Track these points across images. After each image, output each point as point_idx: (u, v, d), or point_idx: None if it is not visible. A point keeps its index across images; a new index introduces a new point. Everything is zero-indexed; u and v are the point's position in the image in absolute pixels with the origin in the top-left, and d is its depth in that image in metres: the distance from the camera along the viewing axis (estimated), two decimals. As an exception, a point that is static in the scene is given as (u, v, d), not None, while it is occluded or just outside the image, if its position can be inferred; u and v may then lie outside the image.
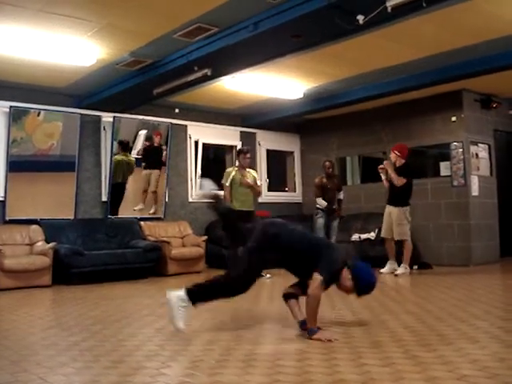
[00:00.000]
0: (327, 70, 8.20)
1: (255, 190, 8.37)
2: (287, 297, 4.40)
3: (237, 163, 8.65)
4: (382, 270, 8.38)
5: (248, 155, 8.35)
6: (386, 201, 8.60)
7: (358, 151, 11.51)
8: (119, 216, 9.58)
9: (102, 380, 3.08)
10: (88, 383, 3.05)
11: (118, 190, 9.74)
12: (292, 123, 12.04)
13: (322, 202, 9.21)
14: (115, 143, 9.50)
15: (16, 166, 8.51)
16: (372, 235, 9.52)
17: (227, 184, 8.17)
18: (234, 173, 8.25)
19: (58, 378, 3.15)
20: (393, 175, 8.29)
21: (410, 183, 8.40)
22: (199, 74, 7.30)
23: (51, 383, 3.07)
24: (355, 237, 10.00)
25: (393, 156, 8.57)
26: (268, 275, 8.40)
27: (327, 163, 9.42)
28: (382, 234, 8.61)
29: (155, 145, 10.07)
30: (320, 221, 9.19)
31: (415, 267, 8.91)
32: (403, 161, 8.47)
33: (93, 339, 4.22)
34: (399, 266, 8.35)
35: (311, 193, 10.35)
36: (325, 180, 9.33)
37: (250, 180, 8.26)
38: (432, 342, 3.84)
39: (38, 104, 8.76)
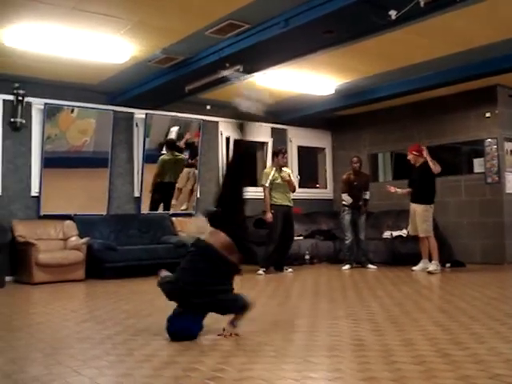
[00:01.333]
0: (359, 66, 8.15)
1: (292, 186, 8.76)
2: None
3: (272, 162, 8.86)
4: (413, 268, 8.32)
5: (286, 155, 8.87)
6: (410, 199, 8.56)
7: (389, 148, 11.41)
8: (151, 212, 9.68)
9: (134, 373, 3.12)
10: (121, 376, 3.09)
11: (167, 190, 9.92)
12: (323, 119, 11.99)
13: (347, 198, 9.20)
14: (147, 139, 9.58)
15: (50, 162, 8.65)
16: (404, 232, 9.44)
17: (267, 185, 8.53)
18: (272, 173, 8.59)
19: (92, 371, 3.20)
20: (431, 164, 8.20)
21: (433, 180, 8.31)
22: (231, 71, 7.32)
23: (85, 376, 3.12)
24: (387, 234, 9.93)
25: (411, 157, 8.50)
26: (290, 269, 8.53)
27: (354, 158, 9.39)
28: (410, 232, 8.62)
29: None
30: (347, 217, 9.17)
31: (448, 265, 8.81)
32: (422, 159, 8.39)
33: (126, 333, 4.27)
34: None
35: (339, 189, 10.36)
36: (352, 176, 9.30)
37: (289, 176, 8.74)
38: (464, 340, 3.80)
39: (72, 101, 8.89)
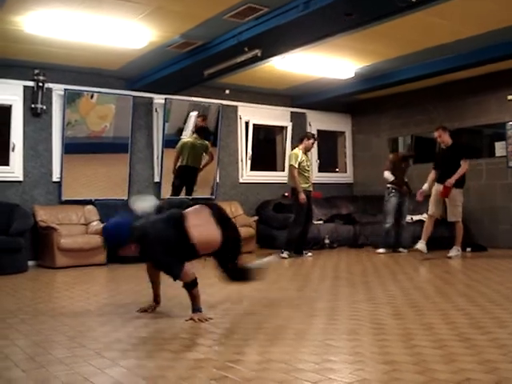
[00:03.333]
0: (379, 49, 8.08)
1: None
2: None
3: (299, 145, 8.83)
4: (449, 254, 8.12)
5: (316, 142, 8.91)
6: (437, 180, 8.34)
7: (410, 131, 11.31)
8: (171, 197, 9.72)
9: (156, 356, 3.16)
10: (143, 359, 3.13)
11: (189, 174, 9.97)
12: (343, 103, 11.92)
13: (388, 175, 9.09)
14: (167, 124, 9.60)
15: (71, 148, 8.72)
16: (424, 216, 9.36)
17: (296, 165, 8.46)
18: (300, 155, 8.55)
19: (114, 354, 3.25)
20: (460, 173, 8.01)
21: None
22: (249, 55, 7.29)
23: (107, 358, 3.17)
24: (407, 218, 9.87)
25: (445, 139, 8.28)
26: (309, 253, 8.54)
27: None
28: (430, 211, 8.25)
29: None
30: (393, 200, 9.01)
31: (468, 249, 8.75)
32: (450, 141, 8.25)
33: (147, 316, 4.32)
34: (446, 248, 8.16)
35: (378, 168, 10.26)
36: (400, 159, 9.26)
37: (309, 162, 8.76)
38: (486, 324, 3.78)
39: (92, 87, 8.94)
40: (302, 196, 8.35)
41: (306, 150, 8.72)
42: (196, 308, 4.14)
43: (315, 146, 9.96)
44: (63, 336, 3.76)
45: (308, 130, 11.21)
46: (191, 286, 4.11)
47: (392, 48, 8.03)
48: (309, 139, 8.73)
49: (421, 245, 7.99)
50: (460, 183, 8.07)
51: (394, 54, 8.37)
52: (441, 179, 8.12)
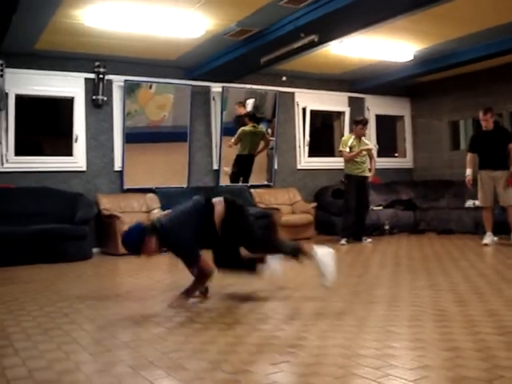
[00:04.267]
0: (438, 31, 7.87)
1: (371, 155, 8.88)
2: None
3: (346, 132, 8.77)
4: (485, 242, 7.87)
5: (366, 126, 8.80)
6: (482, 165, 7.88)
7: (472, 114, 11.01)
8: (230, 184, 9.80)
9: (219, 340, 3.22)
10: (205, 343, 3.19)
11: (245, 162, 10.03)
12: (402, 87, 11.70)
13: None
14: (224, 113, 9.67)
15: (131, 137, 8.90)
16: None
17: (347, 150, 8.49)
18: (351, 140, 8.57)
19: (178, 338, 3.33)
20: None
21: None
22: (306, 41, 7.25)
23: (171, 342, 3.25)
24: (469, 203, 9.65)
25: (491, 122, 7.96)
26: (369, 239, 8.49)
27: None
28: (481, 203, 7.89)
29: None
30: None
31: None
32: (493, 123, 7.95)
33: (209, 301, 4.41)
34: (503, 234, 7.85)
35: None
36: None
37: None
38: (553, 311, 3.69)
39: (150, 77, 9.08)
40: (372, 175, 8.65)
41: (358, 136, 8.64)
42: (189, 292, 4.31)
43: (372, 130, 9.81)
44: (128, 321, 3.87)
45: (366, 115, 11.09)
46: (204, 277, 4.27)
47: (452, 29, 7.82)
48: (357, 125, 8.68)
49: (489, 238, 7.74)
50: (507, 164, 7.74)
51: (455, 35, 8.14)
52: (486, 164, 7.79)
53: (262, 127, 10.13)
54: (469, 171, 7.91)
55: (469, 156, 8.02)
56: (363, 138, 8.72)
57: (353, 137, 8.64)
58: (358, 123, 8.67)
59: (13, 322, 3.88)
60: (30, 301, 4.68)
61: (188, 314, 3.96)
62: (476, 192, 7.99)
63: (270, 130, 10.20)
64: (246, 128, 9.91)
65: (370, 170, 8.74)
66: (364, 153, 8.60)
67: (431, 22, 7.43)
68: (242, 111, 9.93)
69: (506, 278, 5.16)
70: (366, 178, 8.63)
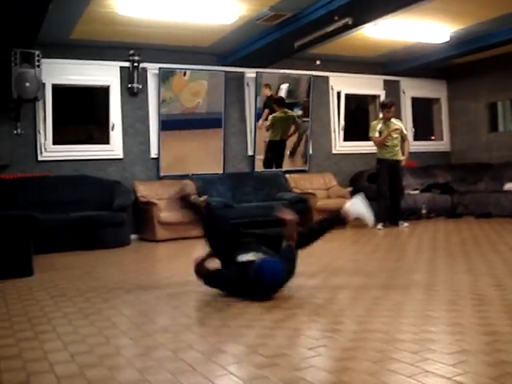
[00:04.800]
0: (475, 11, 7.71)
1: (405, 136, 8.85)
2: None
3: (381, 115, 8.82)
4: None
5: (392, 109, 8.61)
6: None
7: (509, 95, 10.79)
8: (265, 170, 9.82)
9: (255, 325, 3.24)
10: (243, 327, 3.22)
11: (278, 148, 10.02)
12: (438, 69, 11.51)
13: None
14: (258, 98, 9.66)
15: (167, 124, 8.98)
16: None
17: (376, 135, 8.52)
18: (380, 125, 8.56)
19: (215, 323, 3.37)
20: None
21: None
22: (340, 24, 7.18)
23: (209, 327, 3.30)
24: (508, 186, 9.49)
25: None
26: (405, 224, 8.43)
27: None
28: None
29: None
30: None
31: None
32: None
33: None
34: None
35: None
36: None
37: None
38: None
39: (184, 64, 9.12)
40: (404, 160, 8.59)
41: (386, 119, 8.59)
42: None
43: (408, 113, 9.63)
44: (166, 306, 3.93)
45: (401, 98, 10.96)
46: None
47: (489, 9, 7.65)
48: (383, 109, 8.66)
49: None
50: None
51: (491, 15, 7.97)
52: None
53: (295, 111, 10.09)
54: None
55: None
56: (393, 120, 8.65)
57: (381, 121, 8.61)
58: (384, 106, 8.63)
59: (54, 308, 3.97)
60: (70, 287, 4.78)
61: (225, 299, 3.99)
62: None
63: (301, 112, 10.17)
64: (277, 114, 9.88)
65: (403, 153, 8.66)
66: (395, 136, 8.53)
67: (468, 2, 7.30)
68: (267, 92, 9.89)
69: (547, 261, 5.07)
70: (399, 161, 8.56)
